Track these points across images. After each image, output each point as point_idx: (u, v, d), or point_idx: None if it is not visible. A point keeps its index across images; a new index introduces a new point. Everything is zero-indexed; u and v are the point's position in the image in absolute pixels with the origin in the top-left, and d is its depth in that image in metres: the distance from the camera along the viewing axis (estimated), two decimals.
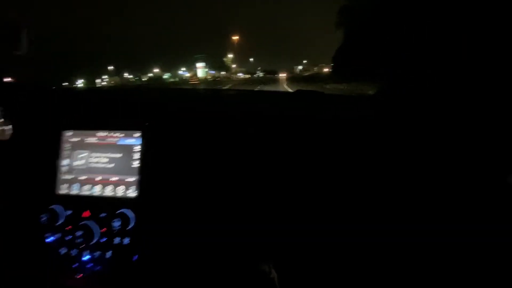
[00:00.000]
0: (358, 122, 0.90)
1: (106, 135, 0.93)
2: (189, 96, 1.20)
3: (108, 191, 0.91)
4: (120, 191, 0.90)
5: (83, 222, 0.86)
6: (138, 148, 0.91)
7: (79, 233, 0.83)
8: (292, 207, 0.86)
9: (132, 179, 0.90)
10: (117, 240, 0.87)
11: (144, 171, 0.88)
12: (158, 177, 0.88)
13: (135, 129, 0.91)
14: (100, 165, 0.92)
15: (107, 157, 0.92)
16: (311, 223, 0.85)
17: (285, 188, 0.86)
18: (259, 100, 1.18)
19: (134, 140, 0.92)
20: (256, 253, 0.87)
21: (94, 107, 1.03)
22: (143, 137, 0.90)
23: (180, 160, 0.89)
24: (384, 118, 0.92)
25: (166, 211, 0.88)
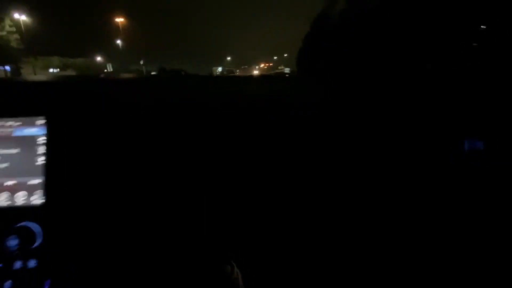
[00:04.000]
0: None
1: None
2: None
3: (3, 200, 0.67)
4: (20, 199, 0.68)
5: None
6: (42, 139, 0.69)
7: None
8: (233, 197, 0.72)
9: (36, 181, 0.68)
10: (18, 264, 0.65)
11: (51, 170, 0.66)
12: (71, 177, 0.67)
13: (37, 114, 0.69)
14: None
15: None
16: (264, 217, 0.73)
17: (220, 180, 0.72)
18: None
19: (36, 130, 0.69)
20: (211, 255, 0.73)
21: None
22: (48, 124, 0.68)
23: (100, 153, 0.68)
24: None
25: (84, 220, 0.67)
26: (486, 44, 0.84)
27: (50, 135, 0.67)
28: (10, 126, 0.69)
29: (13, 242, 0.62)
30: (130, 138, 0.68)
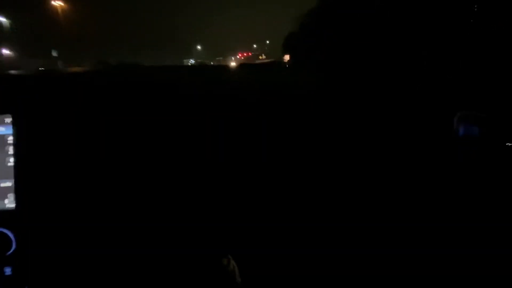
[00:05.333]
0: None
1: None
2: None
3: None
4: None
5: None
6: (11, 139, 0.64)
7: None
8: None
9: (7, 184, 0.63)
10: None
11: (21, 171, 0.62)
12: (43, 178, 0.62)
13: (3, 112, 0.63)
14: None
15: None
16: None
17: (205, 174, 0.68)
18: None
19: (5, 129, 0.64)
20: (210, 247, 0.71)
21: None
22: (14, 122, 0.63)
23: (72, 150, 0.64)
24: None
25: (59, 222, 0.63)
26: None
27: (17, 133, 0.63)
28: None
29: None
30: (98, 131, 0.64)
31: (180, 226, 0.68)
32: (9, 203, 0.63)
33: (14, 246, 0.61)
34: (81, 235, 0.65)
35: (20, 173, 0.63)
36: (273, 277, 0.73)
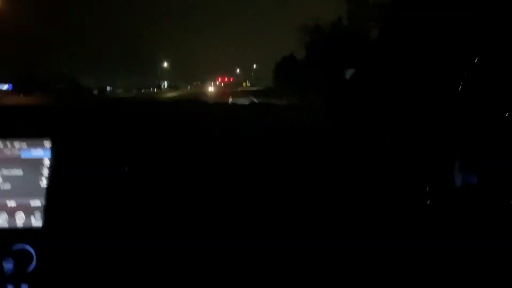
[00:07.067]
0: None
1: (2, 146, 0.70)
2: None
3: (3, 220, 0.68)
4: (19, 220, 0.68)
5: None
6: (47, 162, 0.70)
7: None
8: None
9: (37, 203, 0.68)
10: None
11: (52, 193, 0.67)
12: (72, 201, 0.67)
13: (43, 135, 0.71)
14: None
15: (1, 175, 0.69)
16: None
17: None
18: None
19: (43, 152, 0.71)
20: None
21: None
22: (53, 146, 0.70)
23: (102, 177, 0.69)
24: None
25: (82, 247, 0.66)
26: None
27: (54, 157, 0.69)
28: (18, 148, 0.71)
29: (8, 265, 0.61)
30: (134, 161, 0.70)
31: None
32: (36, 221, 0.68)
33: (34, 264, 0.64)
34: (102, 257, 0.68)
35: (50, 193, 0.68)
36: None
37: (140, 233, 0.66)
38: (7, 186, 0.69)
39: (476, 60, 0.83)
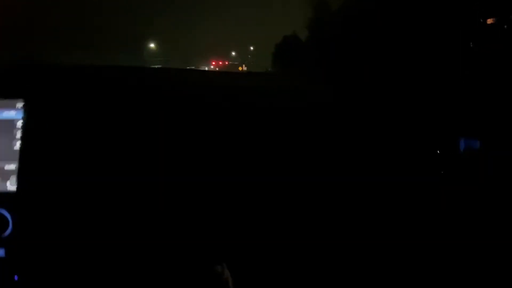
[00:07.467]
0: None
1: None
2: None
3: None
4: None
5: None
6: (21, 123, 0.66)
7: None
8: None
9: (11, 166, 0.65)
10: None
11: (26, 156, 0.63)
12: (46, 165, 0.63)
13: (16, 96, 0.66)
14: None
15: None
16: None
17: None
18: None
19: (15, 113, 0.66)
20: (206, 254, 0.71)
21: None
22: (26, 107, 0.65)
23: (79, 139, 0.65)
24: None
25: (58, 210, 0.63)
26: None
27: (27, 118, 0.64)
28: None
29: None
30: (109, 126, 0.66)
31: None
32: (11, 185, 0.64)
33: (10, 228, 0.62)
34: (81, 227, 0.65)
35: (24, 157, 0.64)
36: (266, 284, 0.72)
37: (115, 198, 0.63)
38: None
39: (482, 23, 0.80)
